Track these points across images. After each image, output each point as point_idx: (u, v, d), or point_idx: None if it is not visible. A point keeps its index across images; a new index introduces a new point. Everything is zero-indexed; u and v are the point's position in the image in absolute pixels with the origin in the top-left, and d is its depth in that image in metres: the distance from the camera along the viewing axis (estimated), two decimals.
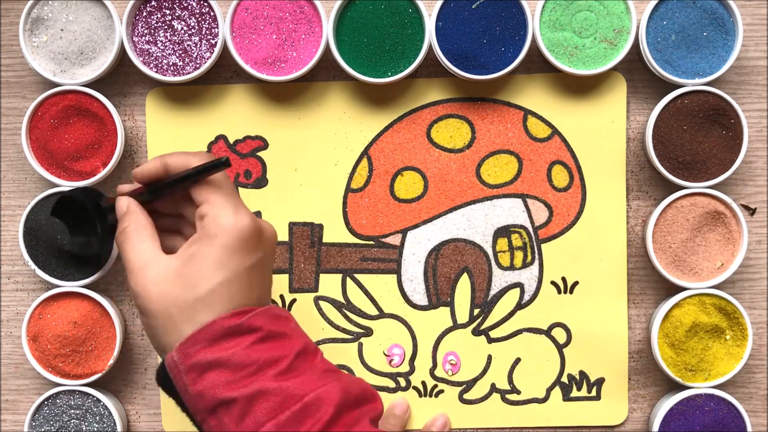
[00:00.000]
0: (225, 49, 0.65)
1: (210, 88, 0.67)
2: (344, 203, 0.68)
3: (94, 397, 0.66)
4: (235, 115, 0.68)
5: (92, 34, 0.64)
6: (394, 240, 0.68)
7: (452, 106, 0.68)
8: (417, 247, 0.68)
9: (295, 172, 0.68)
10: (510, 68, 0.64)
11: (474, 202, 0.68)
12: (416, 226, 0.68)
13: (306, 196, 0.68)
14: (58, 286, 0.65)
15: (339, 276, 0.68)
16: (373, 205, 0.68)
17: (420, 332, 0.68)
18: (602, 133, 0.67)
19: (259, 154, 0.68)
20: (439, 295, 0.68)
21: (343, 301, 0.68)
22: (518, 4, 0.64)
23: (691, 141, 0.64)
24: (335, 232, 0.68)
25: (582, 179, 0.67)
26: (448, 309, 0.68)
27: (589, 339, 0.68)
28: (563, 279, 0.68)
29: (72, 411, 0.66)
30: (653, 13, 0.64)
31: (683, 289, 0.65)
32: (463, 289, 0.68)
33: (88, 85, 0.65)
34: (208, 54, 0.64)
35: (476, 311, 0.68)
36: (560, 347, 0.68)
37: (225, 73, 0.68)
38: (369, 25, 0.64)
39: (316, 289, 0.68)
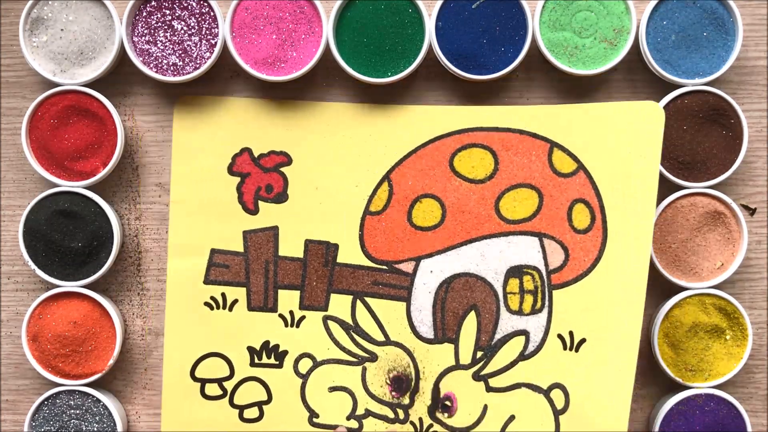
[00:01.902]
0: (225, 49, 0.65)
1: (238, 100, 0.67)
2: (361, 225, 0.67)
3: (93, 397, 0.66)
4: (262, 129, 0.67)
5: (92, 34, 0.64)
6: (407, 267, 0.66)
7: (477, 135, 0.66)
8: (429, 276, 0.66)
9: (315, 191, 0.67)
10: (510, 68, 0.64)
11: (490, 236, 0.65)
12: (430, 255, 0.66)
13: (324, 215, 0.67)
14: (58, 286, 0.65)
15: (350, 297, 0.67)
16: (389, 230, 0.66)
17: (423, 365, 0.66)
18: (632, 171, 0.63)
19: (282, 169, 0.67)
20: (445, 330, 0.66)
21: (351, 323, 0.67)
22: (518, 4, 0.64)
23: (691, 141, 0.64)
24: (350, 253, 0.67)
25: (604, 222, 0.64)
26: (452, 346, 0.66)
27: (587, 410, 0.65)
28: (570, 334, 0.65)
29: (72, 411, 0.66)
30: (653, 13, 0.64)
31: (683, 289, 0.65)
32: (469, 327, 0.66)
33: (88, 85, 0.65)
34: (208, 54, 0.64)
35: (479, 354, 0.66)
36: (557, 413, 0.65)
37: (225, 73, 0.68)
38: (369, 25, 0.64)
39: (325, 308, 0.67)
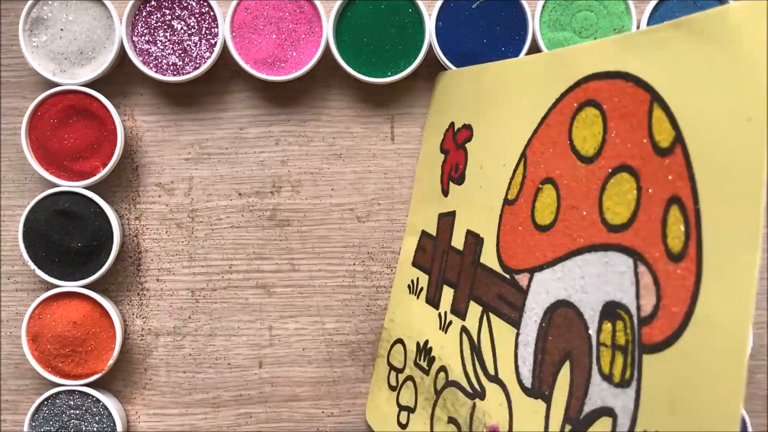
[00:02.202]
0: (225, 48, 0.65)
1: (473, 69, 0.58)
2: (500, 217, 0.51)
3: (93, 397, 0.65)
4: (462, 100, 0.58)
5: (92, 33, 0.64)
6: (523, 280, 0.48)
7: (593, 86, 0.44)
8: (538, 299, 0.47)
9: (480, 170, 0.54)
10: None
11: (591, 248, 0.43)
12: (542, 267, 0.47)
13: (480, 201, 0.53)
14: (57, 286, 0.65)
15: (480, 309, 0.52)
16: (516, 226, 0.49)
17: (517, 424, 0.47)
18: (735, 139, 0.34)
19: (466, 145, 0.57)
20: (541, 380, 0.46)
21: (476, 342, 0.52)
22: (518, 4, 0.64)
23: None
24: (488, 252, 0.52)
25: (699, 242, 0.35)
26: (544, 407, 0.45)
27: None
28: None
29: (72, 411, 0.66)
30: (653, 13, 0.64)
31: None
32: (562, 386, 0.44)
33: (88, 85, 0.65)
34: (207, 54, 0.64)
35: (567, 427, 0.43)
36: None
37: (225, 72, 0.68)
38: (369, 25, 0.64)
39: (464, 317, 0.54)
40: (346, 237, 0.69)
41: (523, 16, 0.64)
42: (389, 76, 0.64)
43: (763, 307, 0.68)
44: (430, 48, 0.64)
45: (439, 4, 0.64)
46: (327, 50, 0.65)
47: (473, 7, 0.64)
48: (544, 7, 0.64)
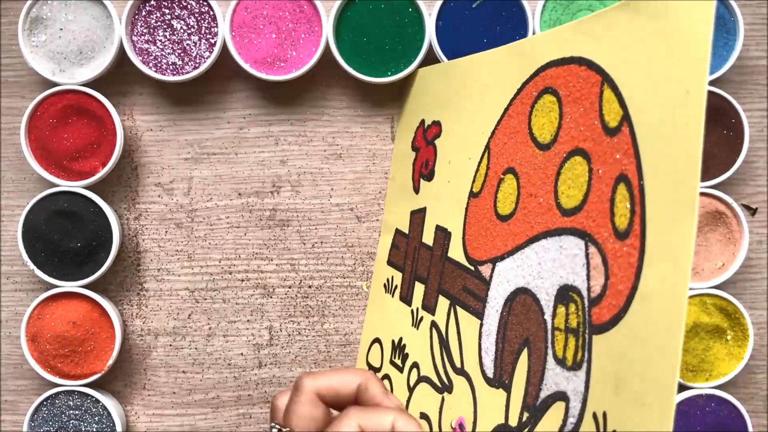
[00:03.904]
0: (224, 48, 0.65)
1: (440, 67, 0.60)
2: (466, 210, 0.52)
3: (93, 397, 0.65)
4: (431, 97, 0.59)
5: (91, 33, 0.64)
6: (486, 271, 0.49)
7: (549, 74, 0.45)
8: (499, 288, 0.48)
9: (448, 165, 0.55)
10: None
11: (547, 234, 0.43)
12: (503, 257, 0.47)
13: (448, 196, 0.55)
14: (57, 286, 0.65)
15: (447, 303, 0.53)
16: (480, 218, 0.51)
17: (481, 415, 0.48)
18: (675, 112, 0.35)
19: (436, 141, 0.58)
20: (502, 370, 0.46)
21: (445, 336, 0.53)
22: (518, 4, 0.63)
23: None
24: (455, 246, 0.53)
25: (643, 220, 0.36)
26: (505, 396, 0.45)
27: None
28: (604, 416, 0.37)
29: (71, 411, 0.65)
30: None
31: None
32: (520, 374, 0.44)
33: (88, 84, 0.65)
34: (207, 53, 0.64)
35: (525, 415, 0.43)
36: None
37: (224, 72, 0.68)
38: (369, 24, 0.64)
39: (433, 312, 0.55)
40: (346, 237, 0.69)
41: (523, 16, 0.64)
42: (389, 76, 0.64)
43: (763, 307, 0.68)
44: (430, 48, 0.64)
45: (439, 4, 0.64)
46: (327, 50, 0.65)
47: (473, 6, 0.64)
48: (544, 6, 0.64)
